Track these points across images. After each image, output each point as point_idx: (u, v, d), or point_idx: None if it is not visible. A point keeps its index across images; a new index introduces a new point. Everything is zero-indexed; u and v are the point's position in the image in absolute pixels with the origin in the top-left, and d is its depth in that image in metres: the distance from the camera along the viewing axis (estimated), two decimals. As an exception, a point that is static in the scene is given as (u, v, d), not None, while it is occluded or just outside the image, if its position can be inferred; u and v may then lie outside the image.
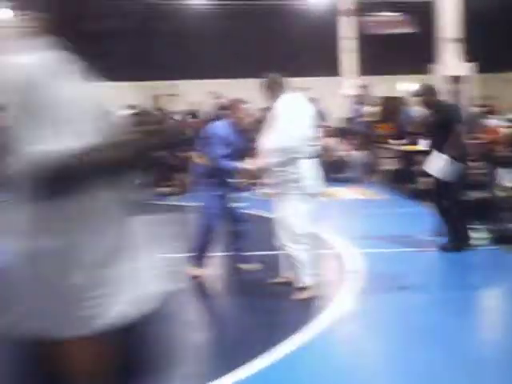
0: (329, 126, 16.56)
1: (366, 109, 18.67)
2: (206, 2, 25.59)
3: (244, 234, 6.20)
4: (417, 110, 16.72)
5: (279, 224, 5.48)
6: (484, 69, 14.62)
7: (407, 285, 5.90)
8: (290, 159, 5.30)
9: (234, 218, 6.04)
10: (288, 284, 5.61)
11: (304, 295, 5.38)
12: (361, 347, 4.45)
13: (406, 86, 25.66)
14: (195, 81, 20.83)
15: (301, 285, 5.46)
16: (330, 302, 5.44)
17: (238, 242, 6.20)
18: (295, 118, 5.32)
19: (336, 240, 7.78)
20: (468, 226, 7.32)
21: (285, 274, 5.75)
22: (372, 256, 6.85)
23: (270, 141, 5.35)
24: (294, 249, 5.41)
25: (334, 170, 13.71)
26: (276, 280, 5.83)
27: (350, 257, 6.90)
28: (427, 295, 5.70)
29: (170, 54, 25.80)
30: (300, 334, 4.55)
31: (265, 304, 5.35)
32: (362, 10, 24.60)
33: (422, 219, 9.22)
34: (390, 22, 25.17)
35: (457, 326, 4.82)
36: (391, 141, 13.32)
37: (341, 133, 16.44)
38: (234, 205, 6.02)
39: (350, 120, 18.07)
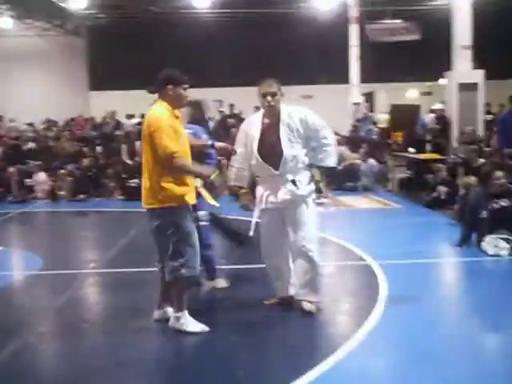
0: (338, 134, 16.46)
1: (378, 116, 18.62)
2: (214, 11, 25.53)
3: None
4: (430, 118, 16.70)
5: (302, 228, 5.16)
6: (492, 75, 14.51)
7: (431, 296, 5.77)
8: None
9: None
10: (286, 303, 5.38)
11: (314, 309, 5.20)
12: (391, 358, 4.32)
13: (414, 93, 25.65)
14: (201, 89, 20.86)
15: (318, 298, 5.27)
16: (356, 316, 5.30)
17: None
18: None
19: (354, 251, 7.62)
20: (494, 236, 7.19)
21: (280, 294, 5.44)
22: (392, 267, 6.69)
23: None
24: (318, 254, 5.22)
25: (347, 179, 13.61)
26: (272, 301, 5.46)
27: (370, 268, 6.75)
28: (453, 307, 5.58)
29: (175, 62, 25.84)
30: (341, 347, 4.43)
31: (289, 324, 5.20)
32: (369, 17, 24.57)
33: (439, 228, 9.18)
34: (397, 29, 25.15)
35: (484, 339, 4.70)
36: (410, 149, 13.22)
37: (351, 141, 16.33)
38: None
39: (358, 128, 17.95)
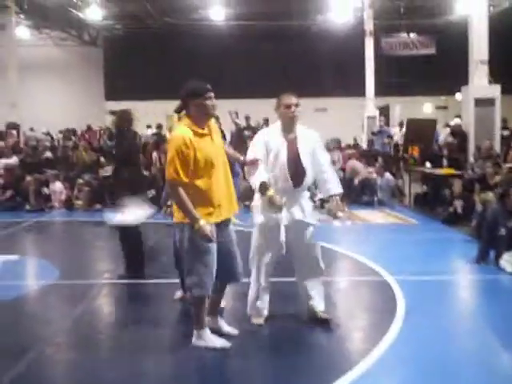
0: (354, 148, 16.46)
1: (394, 130, 18.58)
2: (230, 23, 25.66)
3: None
4: (445, 133, 16.64)
5: (314, 246, 5.31)
6: (508, 90, 14.48)
7: (448, 314, 5.73)
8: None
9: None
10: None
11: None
12: (408, 376, 4.29)
13: (430, 107, 25.62)
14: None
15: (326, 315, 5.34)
16: (373, 332, 5.27)
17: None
18: None
19: (370, 266, 7.58)
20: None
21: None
22: (408, 283, 6.65)
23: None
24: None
25: (363, 193, 13.58)
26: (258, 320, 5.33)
27: (386, 284, 6.71)
28: (471, 325, 5.53)
29: (191, 73, 25.97)
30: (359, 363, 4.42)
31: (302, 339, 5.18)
32: (384, 31, 24.60)
33: (456, 245, 9.13)
34: (412, 43, 25.18)
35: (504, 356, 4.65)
36: (427, 164, 13.20)
37: (366, 155, 16.30)
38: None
39: (373, 142, 17.92)
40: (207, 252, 4.59)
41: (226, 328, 5.06)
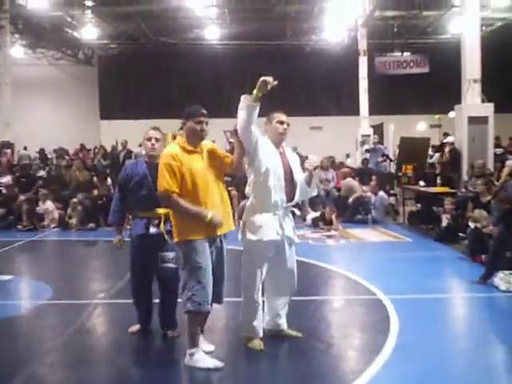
0: (347, 167, 16.51)
1: (389, 149, 18.68)
2: (225, 43, 25.80)
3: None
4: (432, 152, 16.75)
5: (293, 265, 5.35)
6: (500, 109, 14.59)
7: (442, 332, 5.73)
8: None
9: None
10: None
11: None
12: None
13: (424, 125, 25.73)
14: (210, 120, 21.07)
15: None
16: (367, 352, 5.26)
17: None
18: None
19: (364, 284, 7.58)
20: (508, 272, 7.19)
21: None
22: (402, 302, 6.65)
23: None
24: None
25: (356, 211, 13.60)
26: (254, 344, 5.18)
27: (380, 303, 6.71)
28: (465, 343, 5.53)
29: (185, 93, 26.07)
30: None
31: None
32: (378, 50, 24.81)
33: (450, 263, 9.16)
34: (405, 62, 25.39)
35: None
36: (420, 182, 13.27)
37: (360, 173, 16.36)
38: None
39: (367, 160, 17.98)
40: (201, 269, 4.65)
41: (203, 345, 5.01)
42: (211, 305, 4.79)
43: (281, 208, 5.12)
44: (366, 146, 19.24)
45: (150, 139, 5.43)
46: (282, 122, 5.19)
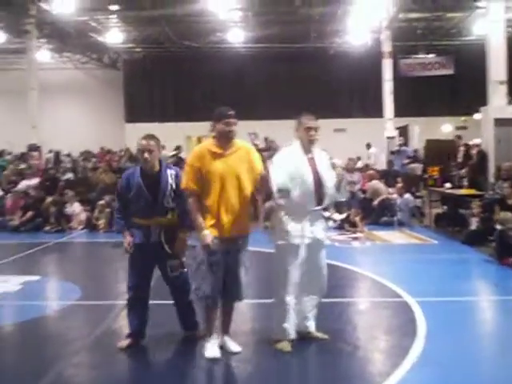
0: (373, 169, 16.44)
1: (412, 151, 18.57)
2: (249, 45, 25.83)
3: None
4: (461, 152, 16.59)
5: (324, 267, 5.40)
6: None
7: (470, 336, 5.67)
8: None
9: None
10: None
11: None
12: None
13: (449, 127, 25.53)
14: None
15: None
16: (394, 355, 5.23)
17: None
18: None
19: (390, 287, 7.54)
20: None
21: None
22: (429, 305, 6.60)
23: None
24: None
25: (382, 213, 13.54)
26: (283, 345, 5.18)
27: (407, 305, 6.67)
28: (493, 346, 5.48)
29: (209, 95, 26.17)
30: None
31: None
32: (402, 52, 24.66)
33: (476, 265, 9.07)
34: (430, 63, 25.19)
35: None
36: (446, 184, 13.17)
37: (385, 175, 16.28)
38: None
39: (392, 162, 17.89)
40: (204, 264, 4.94)
41: (230, 346, 5.13)
42: (228, 302, 5.12)
43: (310, 212, 5.18)
44: (393, 149, 19.15)
45: (143, 152, 5.26)
46: (309, 129, 5.22)
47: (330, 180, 5.26)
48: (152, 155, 5.25)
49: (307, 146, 5.26)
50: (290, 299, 5.20)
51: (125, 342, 5.35)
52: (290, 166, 5.15)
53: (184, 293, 5.42)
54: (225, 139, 5.00)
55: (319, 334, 5.42)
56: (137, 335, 5.40)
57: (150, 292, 5.43)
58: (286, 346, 5.14)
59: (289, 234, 5.13)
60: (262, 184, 5.12)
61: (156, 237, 5.26)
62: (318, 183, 5.18)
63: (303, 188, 5.13)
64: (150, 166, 5.27)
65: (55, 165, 19.90)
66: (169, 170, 5.37)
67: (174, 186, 5.26)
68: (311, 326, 5.41)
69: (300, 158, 5.22)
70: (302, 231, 5.14)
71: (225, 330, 5.21)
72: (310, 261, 5.24)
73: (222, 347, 5.11)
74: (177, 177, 5.30)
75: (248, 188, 5.07)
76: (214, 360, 4.88)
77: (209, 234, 4.88)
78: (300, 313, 5.36)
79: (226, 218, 4.96)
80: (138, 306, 5.41)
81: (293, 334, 5.22)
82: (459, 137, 18.14)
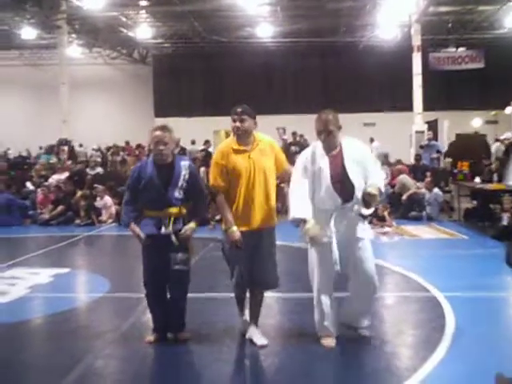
0: (402, 163, 16.33)
1: (440, 144, 18.39)
2: (277, 40, 25.80)
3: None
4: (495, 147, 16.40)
5: (368, 261, 5.20)
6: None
7: (499, 332, 5.61)
8: None
9: None
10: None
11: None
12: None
13: (479, 121, 25.22)
14: (264, 116, 21.22)
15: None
16: (422, 349, 5.20)
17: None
18: None
19: (418, 281, 7.50)
20: None
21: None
22: (458, 300, 6.55)
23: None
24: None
25: (411, 208, 13.45)
26: (327, 341, 5.17)
27: (435, 300, 6.62)
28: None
29: (238, 90, 26.20)
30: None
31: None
32: (432, 45, 24.43)
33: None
34: (460, 57, 24.92)
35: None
36: (476, 179, 13.04)
37: (414, 169, 16.16)
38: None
39: (420, 156, 17.73)
40: (229, 254, 5.22)
41: (257, 339, 5.22)
42: (258, 290, 5.31)
43: (336, 210, 5.04)
44: (422, 143, 18.98)
45: (157, 143, 5.22)
46: (319, 133, 5.09)
47: (357, 175, 5.05)
48: (167, 147, 5.21)
49: (327, 143, 5.10)
50: (325, 298, 5.14)
51: (151, 337, 5.37)
52: (305, 169, 5.08)
53: (181, 290, 5.36)
54: (236, 135, 5.17)
55: (364, 332, 5.33)
56: (162, 330, 5.41)
57: (166, 285, 5.37)
58: (330, 341, 5.13)
59: (320, 233, 5.01)
60: (287, 180, 5.24)
61: (167, 228, 5.22)
62: (341, 179, 5.02)
63: (322, 189, 5.03)
64: (163, 158, 5.23)
65: (70, 159, 19.96)
66: (182, 161, 5.35)
67: (187, 177, 5.24)
68: (361, 323, 5.32)
69: (319, 157, 5.09)
70: (329, 230, 5.03)
71: (253, 319, 5.30)
72: (350, 259, 5.11)
73: (251, 340, 5.18)
74: (190, 167, 5.32)
75: (273, 182, 5.23)
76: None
77: (237, 231, 5.04)
78: (348, 310, 5.32)
79: (252, 213, 5.11)
80: (157, 301, 5.39)
81: (335, 332, 5.17)
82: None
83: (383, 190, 5.22)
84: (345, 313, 5.33)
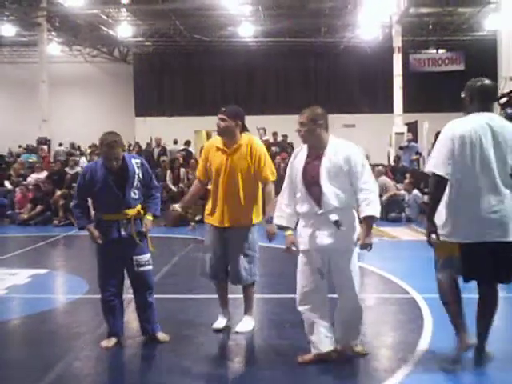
0: (382, 165, 16.41)
1: (423, 147, 18.50)
2: (259, 40, 25.83)
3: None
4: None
5: (349, 276, 4.75)
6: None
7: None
8: None
9: None
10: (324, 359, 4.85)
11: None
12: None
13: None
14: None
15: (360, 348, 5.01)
16: (400, 350, 5.22)
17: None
18: None
19: (397, 283, 7.54)
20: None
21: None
22: (436, 301, 6.52)
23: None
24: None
25: (390, 209, 13.52)
26: (307, 358, 4.84)
27: (414, 302, 6.66)
28: (503, 344, 5.44)
29: (219, 90, 26.20)
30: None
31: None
32: (412, 47, 24.58)
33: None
34: (440, 59, 25.11)
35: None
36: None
37: (393, 171, 16.25)
38: None
39: (400, 158, 17.85)
40: (207, 246, 5.56)
41: (238, 325, 5.61)
42: (232, 283, 5.61)
43: (313, 217, 4.67)
44: (401, 144, 19.10)
45: (110, 148, 5.03)
46: (299, 131, 4.76)
47: (331, 180, 4.60)
48: (118, 151, 5.06)
49: (304, 140, 4.80)
50: (303, 309, 4.79)
51: (110, 342, 5.27)
52: (291, 170, 4.85)
53: (147, 290, 5.32)
54: (217, 133, 5.45)
55: (359, 349, 5.00)
56: (118, 334, 5.35)
57: (123, 288, 5.34)
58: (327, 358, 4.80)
59: (298, 239, 4.78)
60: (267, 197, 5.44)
61: (126, 230, 5.14)
62: (314, 185, 4.63)
63: (299, 192, 4.73)
64: (117, 163, 5.07)
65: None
66: (133, 159, 5.25)
67: (140, 176, 5.17)
68: (338, 339, 4.86)
69: (300, 159, 4.80)
70: (309, 237, 4.69)
71: (244, 309, 5.70)
72: (331, 271, 4.74)
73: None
74: (142, 165, 5.22)
75: (248, 184, 5.38)
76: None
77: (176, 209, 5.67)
78: (337, 337, 4.87)
79: (223, 209, 5.41)
80: (113, 304, 5.30)
81: (323, 348, 4.76)
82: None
83: (378, 214, 4.64)
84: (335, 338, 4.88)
